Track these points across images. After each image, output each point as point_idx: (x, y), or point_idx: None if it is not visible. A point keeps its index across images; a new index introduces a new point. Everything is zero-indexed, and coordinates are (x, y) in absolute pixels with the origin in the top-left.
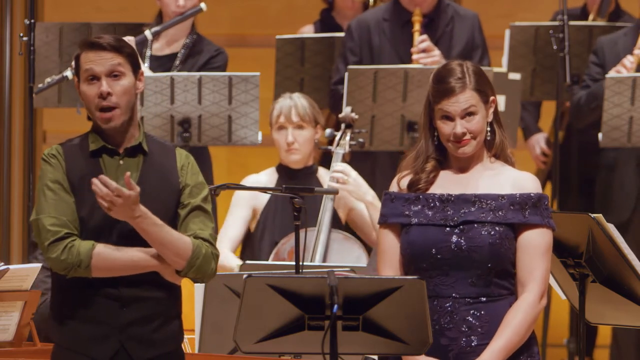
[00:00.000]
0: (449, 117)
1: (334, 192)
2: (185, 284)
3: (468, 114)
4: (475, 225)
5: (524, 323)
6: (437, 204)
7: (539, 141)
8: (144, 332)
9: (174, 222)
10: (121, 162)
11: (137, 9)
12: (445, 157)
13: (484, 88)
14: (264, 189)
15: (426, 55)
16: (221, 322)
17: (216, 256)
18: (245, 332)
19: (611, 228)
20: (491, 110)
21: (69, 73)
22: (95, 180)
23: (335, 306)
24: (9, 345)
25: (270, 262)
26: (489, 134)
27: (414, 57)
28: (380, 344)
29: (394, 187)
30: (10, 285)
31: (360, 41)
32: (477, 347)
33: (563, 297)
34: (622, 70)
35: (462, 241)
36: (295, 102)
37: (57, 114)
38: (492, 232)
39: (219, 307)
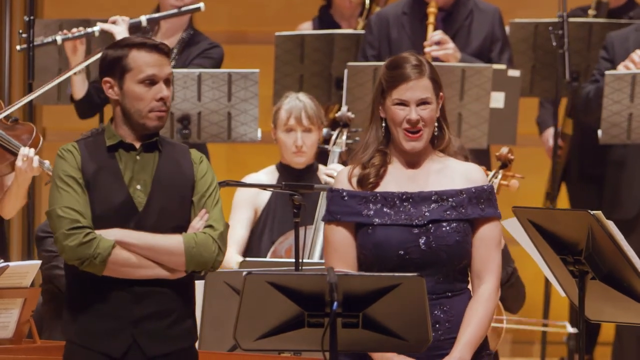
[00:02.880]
0: (404, 104)
1: None
2: None
3: (423, 102)
4: (442, 223)
5: (486, 315)
6: (397, 203)
7: (552, 134)
8: (157, 327)
9: (189, 212)
10: (138, 157)
11: (135, 6)
12: (390, 146)
13: (437, 79)
14: (264, 186)
15: (439, 48)
16: (221, 320)
17: (219, 240)
18: (245, 330)
19: (611, 225)
20: (439, 106)
21: (58, 38)
22: None
23: (335, 303)
24: (8, 342)
25: (269, 259)
26: (436, 129)
27: (427, 49)
28: (379, 341)
29: (343, 184)
30: (10, 282)
31: (379, 35)
32: (444, 342)
33: (563, 294)
34: (631, 65)
35: (432, 240)
36: (305, 104)
37: (57, 110)
38: (458, 230)
39: (218, 304)
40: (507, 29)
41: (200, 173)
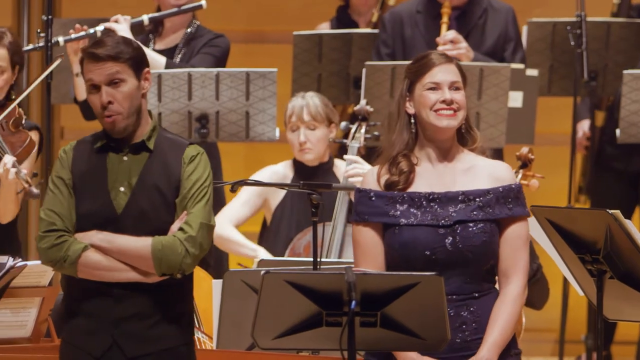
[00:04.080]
0: (436, 87)
1: (352, 189)
2: (204, 279)
3: (455, 86)
4: (469, 224)
5: (513, 315)
6: (424, 203)
7: (583, 126)
8: (137, 328)
9: (169, 212)
10: (125, 158)
11: (153, 4)
12: (416, 149)
13: (465, 75)
14: (281, 185)
15: (452, 47)
16: (239, 319)
17: (187, 240)
18: (262, 329)
19: (629, 224)
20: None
21: (60, 39)
22: None
23: (353, 302)
24: (26, 341)
25: (287, 258)
26: (463, 126)
27: (439, 48)
28: (397, 340)
29: (371, 184)
30: (28, 282)
31: (393, 33)
32: (471, 342)
33: (581, 293)
34: None
35: (458, 241)
36: (308, 102)
37: (75, 110)
38: (485, 230)
39: (236, 303)
40: (525, 28)
41: (187, 173)
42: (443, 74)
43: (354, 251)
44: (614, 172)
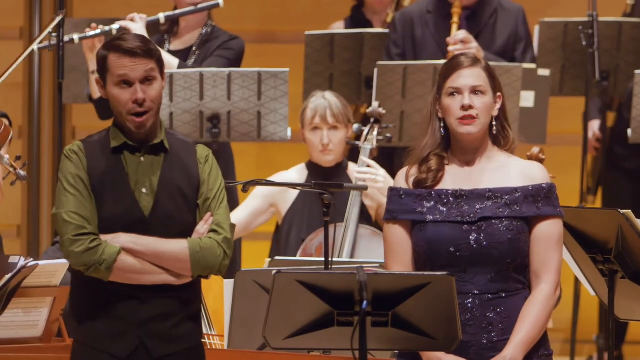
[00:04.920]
0: (457, 92)
1: (364, 188)
2: (215, 280)
3: (477, 91)
4: (494, 221)
5: (542, 316)
6: (451, 200)
7: (593, 126)
8: (163, 328)
9: (195, 214)
10: (142, 159)
11: (166, 4)
12: (449, 151)
13: (494, 76)
14: (293, 185)
15: (463, 47)
16: (250, 318)
17: (225, 243)
18: (274, 328)
19: None
20: (498, 105)
21: (75, 37)
22: None
23: (365, 302)
24: (37, 341)
25: (299, 258)
26: (494, 128)
27: (450, 48)
28: (409, 340)
29: (401, 183)
30: (40, 281)
31: (403, 33)
32: (498, 343)
33: (592, 293)
34: None
35: (482, 238)
36: (330, 103)
37: (86, 109)
38: (511, 228)
39: (248, 303)
40: (537, 28)
41: (205, 173)
42: (464, 78)
43: (384, 249)
44: (625, 171)
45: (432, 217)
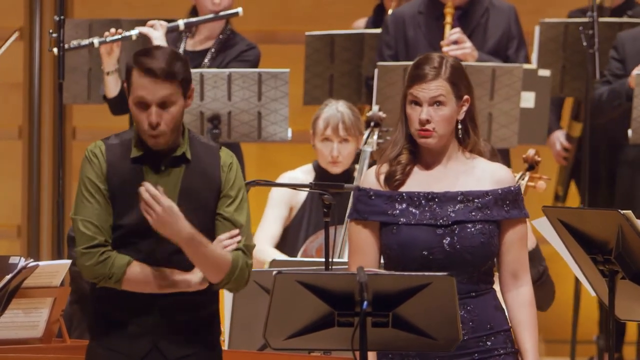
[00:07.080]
0: (417, 103)
1: None
2: None
3: (437, 102)
4: (467, 224)
5: (535, 316)
6: (423, 202)
7: (559, 137)
8: (177, 330)
9: (213, 222)
10: (162, 168)
11: (166, 5)
12: (417, 148)
13: (459, 83)
14: (293, 186)
15: (457, 47)
16: (250, 319)
17: (250, 265)
18: (274, 329)
19: None
20: (464, 108)
21: (95, 41)
22: (142, 189)
23: (365, 303)
24: (38, 341)
25: (299, 258)
26: (460, 131)
27: (444, 49)
28: (409, 340)
29: (371, 183)
30: (40, 282)
31: (395, 35)
32: (469, 341)
33: (592, 293)
34: None
35: (456, 242)
36: (343, 115)
37: (86, 109)
38: (484, 232)
39: (248, 303)
40: (537, 28)
41: (228, 182)
42: (425, 92)
43: (349, 249)
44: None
45: (404, 220)
